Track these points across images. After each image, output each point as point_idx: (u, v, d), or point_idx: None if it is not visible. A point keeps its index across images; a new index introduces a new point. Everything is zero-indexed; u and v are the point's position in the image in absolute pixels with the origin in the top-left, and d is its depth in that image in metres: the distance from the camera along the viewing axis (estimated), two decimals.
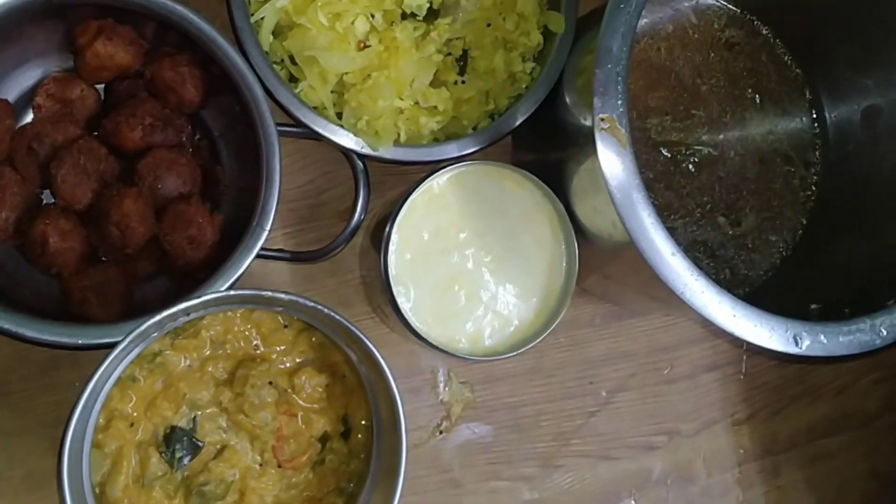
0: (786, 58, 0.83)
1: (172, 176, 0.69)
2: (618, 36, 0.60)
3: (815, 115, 0.83)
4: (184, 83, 0.71)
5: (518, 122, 0.72)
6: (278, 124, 0.70)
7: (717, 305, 0.61)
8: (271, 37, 0.70)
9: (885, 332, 0.64)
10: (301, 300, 0.63)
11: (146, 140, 0.70)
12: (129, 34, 0.70)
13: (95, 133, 0.72)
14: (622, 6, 0.60)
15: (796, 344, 0.62)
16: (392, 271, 0.70)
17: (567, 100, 0.72)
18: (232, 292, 0.63)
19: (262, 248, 0.69)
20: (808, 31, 0.81)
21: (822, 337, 0.63)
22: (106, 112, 0.72)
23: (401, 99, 0.70)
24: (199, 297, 0.61)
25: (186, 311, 0.63)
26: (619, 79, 0.60)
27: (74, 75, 0.72)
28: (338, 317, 0.64)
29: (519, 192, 0.73)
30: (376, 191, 0.80)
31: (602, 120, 0.60)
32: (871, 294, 0.67)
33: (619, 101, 0.60)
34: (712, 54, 0.82)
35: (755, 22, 0.83)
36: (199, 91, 0.71)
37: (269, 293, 0.64)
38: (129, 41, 0.70)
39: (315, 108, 0.70)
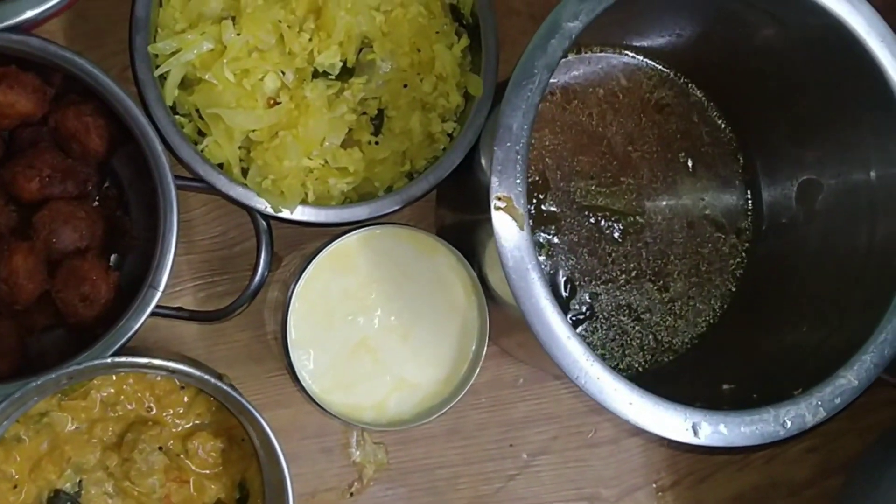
0: (719, 121, 0.82)
1: (68, 230, 0.67)
2: (518, 114, 0.58)
3: (748, 182, 0.82)
4: (88, 133, 0.69)
5: (432, 186, 0.70)
6: (182, 178, 0.68)
7: (613, 392, 0.60)
8: (177, 91, 0.68)
9: (789, 425, 0.62)
10: (187, 369, 0.61)
11: (44, 192, 0.67)
12: (33, 81, 0.68)
13: None
14: (524, 83, 0.58)
15: (695, 433, 0.61)
16: (292, 335, 0.68)
17: (483, 163, 0.70)
18: (110, 360, 0.61)
19: (161, 306, 0.67)
20: (742, 96, 0.79)
21: (722, 427, 0.61)
22: (7, 159, 0.70)
23: (309, 158, 0.68)
24: (78, 363, 0.59)
25: (69, 376, 0.61)
26: (519, 157, 0.58)
27: None
28: (224, 386, 0.62)
29: (432, 255, 0.71)
30: (294, 244, 0.78)
31: (499, 199, 0.58)
32: (780, 381, 0.65)
33: (518, 181, 0.58)
34: (644, 118, 0.80)
35: (688, 84, 0.81)
36: (103, 141, 0.69)
37: (156, 361, 0.62)
38: (33, 89, 0.68)
39: (221, 164, 0.68)
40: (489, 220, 0.66)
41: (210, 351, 0.77)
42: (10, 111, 0.68)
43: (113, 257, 0.74)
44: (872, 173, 0.70)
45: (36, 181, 0.67)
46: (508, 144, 0.58)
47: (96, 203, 0.72)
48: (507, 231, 0.58)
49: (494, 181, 0.58)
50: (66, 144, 0.70)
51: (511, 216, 0.58)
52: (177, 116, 0.69)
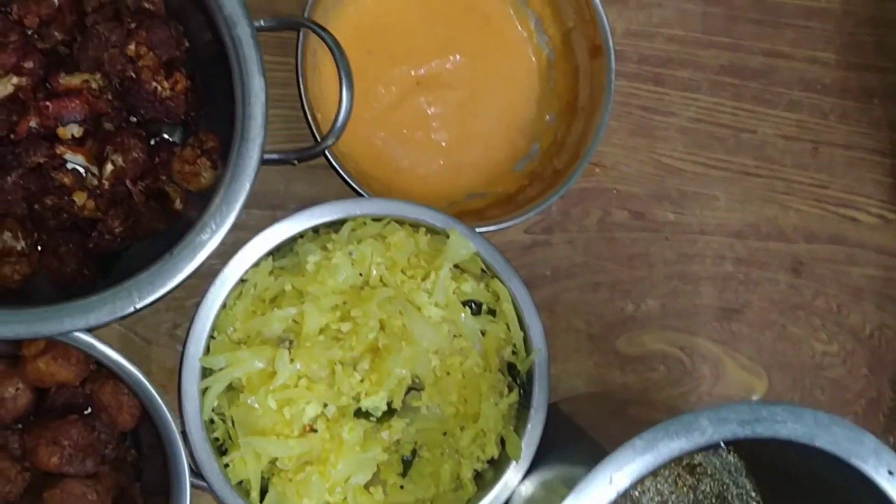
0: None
1: None
2: None
3: None
4: (120, 409, 0.68)
5: None
6: (200, 479, 0.67)
7: None
8: (216, 401, 0.67)
9: None
10: None
11: (62, 468, 0.67)
12: (77, 355, 0.67)
13: (20, 427, 0.70)
14: None
15: None
16: None
17: None
18: None
19: None
20: None
21: None
22: (35, 420, 0.69)
23: (329, 493, 0.67)
24: None
25: None
26: None
27: (13, 369, 0.69)
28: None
29: None
30: None
31: None
32: None
33: None
34: None
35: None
36: (133, 419, 0.69)
37: None
38: (76, 360, 0.67)
39: (240, 482, 0.67)
40: None
41: None
42: (50, 379, 0.68)
43: None
44: None
45: (56, 457, 0.67)
46: None
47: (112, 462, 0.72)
48: None
49: None
50: (97, 412, 0.69)
51: None
52: (212, 413, 0.68)
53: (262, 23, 0.68)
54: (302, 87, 0.71)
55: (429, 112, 0.80)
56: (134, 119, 0.73)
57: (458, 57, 0.81)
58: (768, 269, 0.90)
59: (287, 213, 0.80)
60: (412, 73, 0.80)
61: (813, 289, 0.91)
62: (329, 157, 0.72)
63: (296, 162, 0.70)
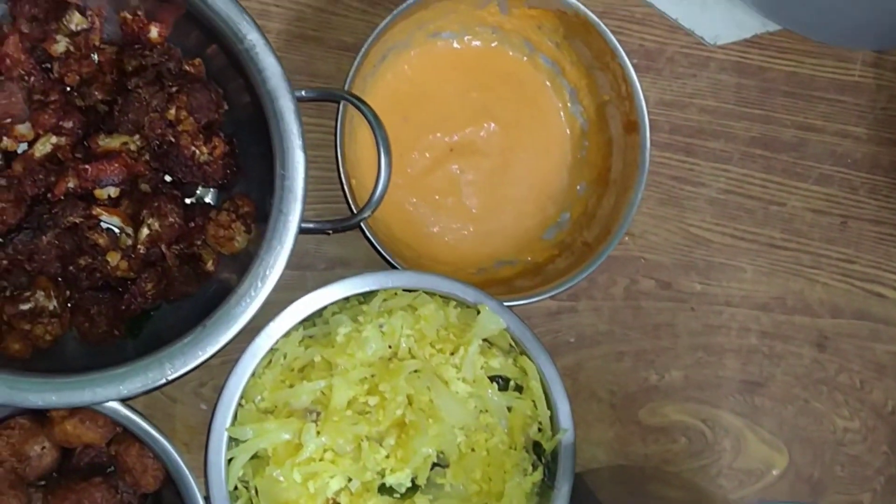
0: None
1: None
2: None
3: None
4: (145, 472, 0.68)
5: None
6: None
7: None
8: (242, 470, 0.67)
9: None
10: None
11: None
12: (104, 417, 0.67)
13: (44, 484, 0.70)
14: None
15: None
16: None
17: None
18: None
19: None
20: None
21: None
22: (59, 479, 0.69)
23: None
24: None
25: None
26: None
27: (39, 428, 0.69)
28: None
29: None
30: None
31: None
32: None
33: None
34: None
35: None
36: (156, 482, 0.69)
37: None
38: (103, 423, 0.68)
39: None
40: None
41: None
42: (77, 440, 0.68)
43: None
44: None
45: None
46: None
47: None
48: None
49: None
50: (121, 473, 0.69)
51: None
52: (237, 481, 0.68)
53: (303, 93, 0.68)
54: (340, 158, 0.71)
55: (461, 178, 0.81)
56: (168, 178, 0.73)
57: (492, 125, 0.81)
58: (793, 342, 0.90)
59: (316, 273, 0.81)
60: (446, 139, 0.80)
61: (837, 364, 0.91)
62: (363, 226, 0.72)
63: (330, 232, 0.70)
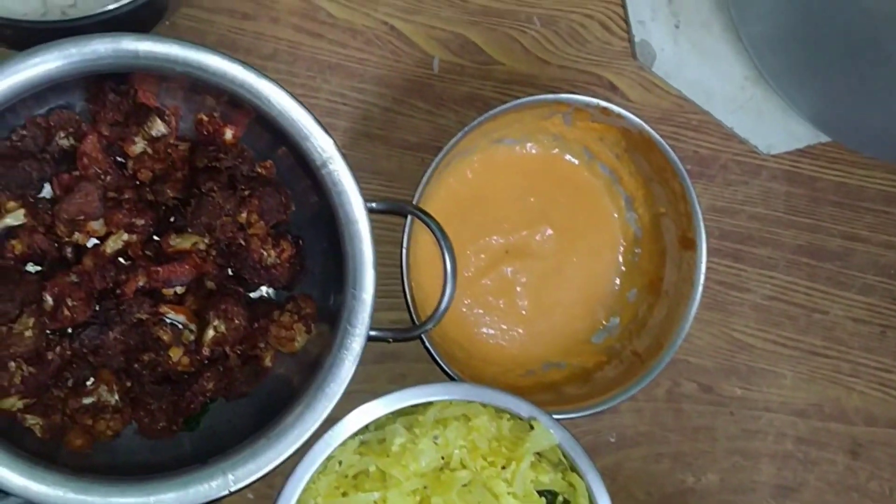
0: None
1: None
2: None
3: None
4: None
5: None
6: None
7: None
8: None
9: None
10: None
11: None
12: None
13: None
14: None
15: None
16: None
17: None
18: None
19: None
20: None
21: None
22: None
23: None
24: None
25: None
26: None
27: None
28: None
29: None
30: None
31: None
32: None
33: None
34: None
35: None
36: None
37: None
38: None
39: None
40: None
41: None
42: None
43: None
44: None
45: None
46: None
47: None
48: None
49: None
50: None
51: None
52: None
53: (373, 206, 0.69)
54: (405, 271, 0.72)
55: (514, 280, 0.82)
56: (231, 271, 0.74)
57: (548, 230, 0.82)
58: (827, 449, 0.91)
59: (367, 366, 0.81)
60: (502, 241, 0.81)
61: (868, 471, 0.92)
62: (423, 338, 0.73)
63: (391, 340, 0.71)
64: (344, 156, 0.66)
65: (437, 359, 0.74)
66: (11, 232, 0.70)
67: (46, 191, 0.71)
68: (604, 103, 0.75)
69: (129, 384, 0.72)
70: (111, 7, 0.65)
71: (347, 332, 0.66)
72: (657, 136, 0.76)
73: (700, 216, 0.78)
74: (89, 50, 0.60)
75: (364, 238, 0.66)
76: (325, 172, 0.67)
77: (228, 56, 0.63)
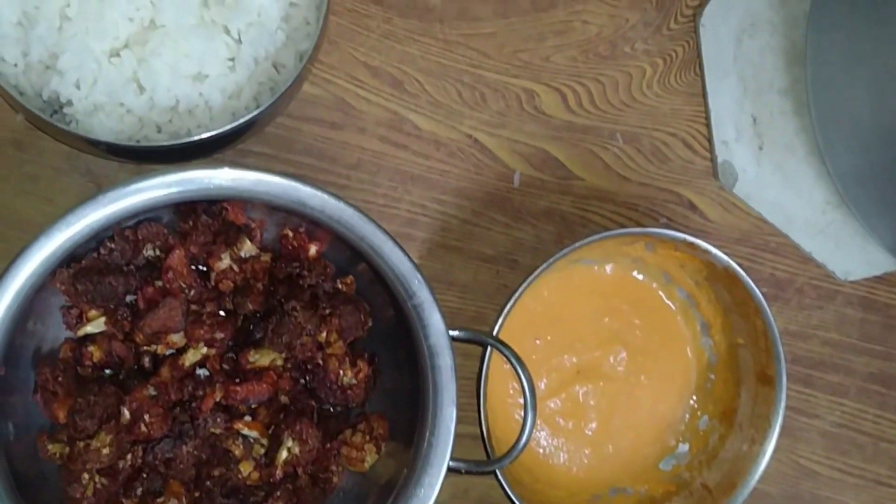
0: None
1: None
2: None
3: None
4: None
5: None
6: None
7: None
8: None
9: None
10: None
11: None
12: None
13: None
14: None
15: None
16: None
17: None
18: None
19: None
20: None
21: None
22: None
23: None
24: None
25: None
26: None
27: None
28: None
29: None
30: None
31: None
32: None
33: None
34: None
35: None
36: None
37: None
38: None
39: None
40: None
41: None
42: None
43: None
44: None
45: None
46: None
47: None
48: None
49: None
50: None
51: None
52: None
53: (455, 334, 0.68)
54: (482, 404, 0.71)
55: (584, 402, 0.81)
56: (302, 381, 0.74)
57: (621, 351, 0.81)
58: None
59: None
60: (575, 361, 0.80)
61: None
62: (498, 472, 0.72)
63: (463, 471, 0.70)
64: (435, 299, 0.66)
65: (509, 492, 0.73)
66: (90, 338, 0.70)
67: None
68: (690, 238, 0.74)
69: (197, 494, 0.71)
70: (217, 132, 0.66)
71: (424, 472, 0.65)
72: (743, 274, 0.75)
73: (782, 356, 0.76)
74: (192, 184, 0.60)
75: (448, 377, 0.65)
76: (412, 305, 0.66)
77: (336, 196, 0.64)
